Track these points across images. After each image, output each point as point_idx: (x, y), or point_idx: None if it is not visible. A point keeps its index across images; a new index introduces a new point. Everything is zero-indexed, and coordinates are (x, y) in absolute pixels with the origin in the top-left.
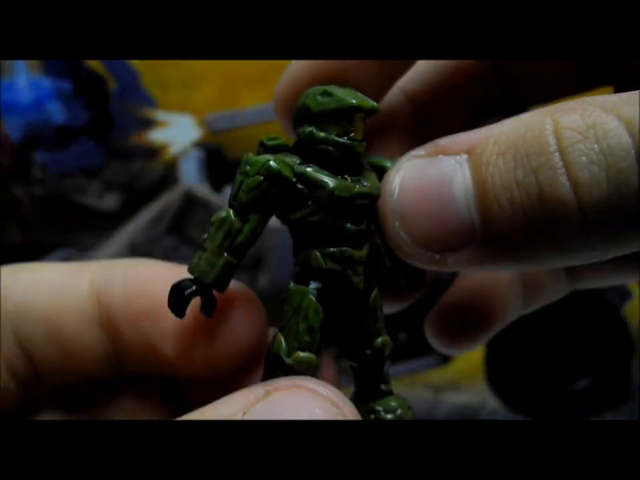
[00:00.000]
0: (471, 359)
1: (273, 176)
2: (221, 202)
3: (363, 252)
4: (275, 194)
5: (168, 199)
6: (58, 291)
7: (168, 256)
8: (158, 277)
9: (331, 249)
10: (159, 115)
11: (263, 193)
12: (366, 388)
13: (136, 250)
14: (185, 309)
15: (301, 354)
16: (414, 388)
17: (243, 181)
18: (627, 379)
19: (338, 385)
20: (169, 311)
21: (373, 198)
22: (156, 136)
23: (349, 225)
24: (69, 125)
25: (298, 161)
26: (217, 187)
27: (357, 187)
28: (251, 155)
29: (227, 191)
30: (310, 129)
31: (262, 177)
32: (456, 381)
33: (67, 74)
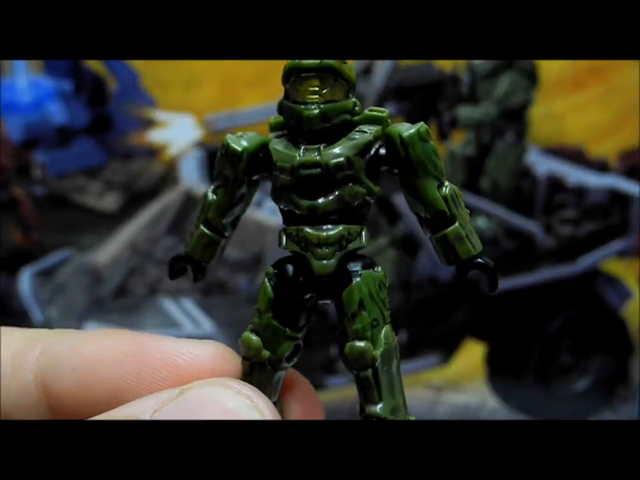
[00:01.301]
0: (470, 359)
1: (224, 152)
2: None
3: (325, 233)
4: (232, 168)
5: (168, 199)
6: (7, 381)
7: (168, 256)
8: (108, 361)
9: (291, 227)
10: (159, 114)
11: (222, 169)
12: (360, 407)
13: (136, 250)
14: (171, 272)
15: (246, 334)
16: (414, 388)
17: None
18: (626, 379)
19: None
20: (126, 396)
21: (325, 168)
22: (156, 136)
23: (301, 199)
24: (69, 124)
25: (278, 134)
26: None
27: (304, 156)
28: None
29: None
30: (281, 99)
31: (219, 153)
32: (456, 381)
33: (67, 74)
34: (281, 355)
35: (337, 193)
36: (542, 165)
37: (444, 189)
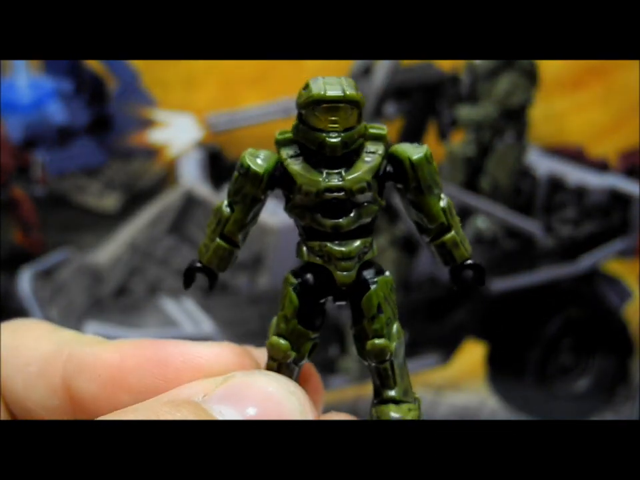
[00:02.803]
0: (470, 359)
1: (244, 172)
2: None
3: (347, 248)
4: (252, 188)
5: (168, 199)
6: (32, 381)
7: (168, 256)
8: (131, 366)
9: (313, 242)
10: (159, 114)
11: (240, 187)
12: (375, 391)
13: (136, 250)
14: (187, 282)
15: (274, 338)
16: (414, 388)
17: (233, 174)
18: (627, 379)
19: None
20: (150, 398)
21: (350, 192)
22: (156, 136)
23: (325, 219)
24: (69, 124)
25: (291, 154)
26: (217, 187)
27: (328, 180)
28: (247, 150)
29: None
30: (296, 122)
31: (237, 173)
32: (456, 381)
33: (67, 74)
34: (304, 354)
35: (356, 212)
36: (542, 164)
37: (442, 201)
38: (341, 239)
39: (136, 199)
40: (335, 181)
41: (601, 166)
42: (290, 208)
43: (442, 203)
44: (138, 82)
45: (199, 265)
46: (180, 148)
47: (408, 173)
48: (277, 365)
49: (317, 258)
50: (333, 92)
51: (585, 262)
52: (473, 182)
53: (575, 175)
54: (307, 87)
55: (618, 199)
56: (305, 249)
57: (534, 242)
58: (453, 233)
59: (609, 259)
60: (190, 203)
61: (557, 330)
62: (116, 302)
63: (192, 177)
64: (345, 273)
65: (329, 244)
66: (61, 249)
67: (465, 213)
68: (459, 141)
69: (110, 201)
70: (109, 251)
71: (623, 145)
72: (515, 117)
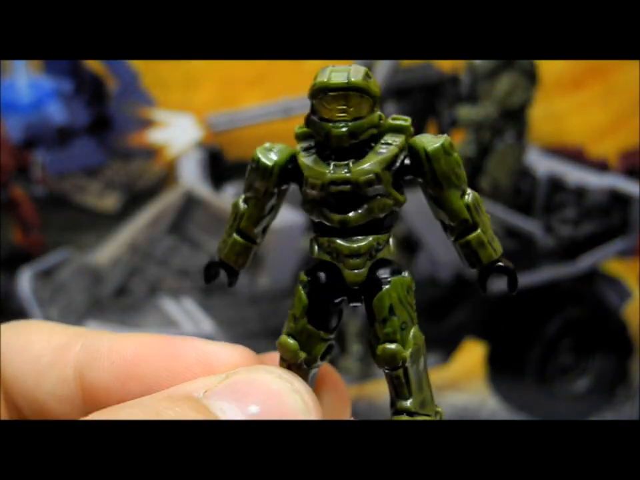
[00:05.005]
0: (471, 359)
1: (255, 166)
2: (221, 202)
3: (356, 245)
4: (263, 181)
5: (168, 199)
6: (44, 371)
7: (168, 256)
8: (145, 357)
9: (322, 239)
10: (159, 114)
11: (252, 181)
12: (390, 401)
13: (136, 250)
14: (206, 277)
15: (283, 337)
16: None
17: (247, 169)
18: (626, 379)
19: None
20: (159, 390)
21: (355, 184)
22: (156, 136)
23: (332, 213)
24: (69, 124)
25: (305, 147)
26: (217, 187)
27: (334, 173)
28: (263, 144)
29: (227, 190)
30: (308, 114)
31: (249, 167)
32: (456, 381)
33: (67, 74)
34: (316, 355)
35: (366, 207)
36: (542, 164)
37: (466, 197)
38: (349, 234)
39: (136, 199)
40: (341, 173)
41: (601, 166)
42: (301, 202)
43: (466, 198)
44: (138, 82)
45: (217, 260)
46: (180, 148)
47: (424, 164)
48: (287, 366)
49: (327, 255)
50: (337, 79)
51: (585, 262)
52: (472, 182)
53: (574, 175)
54: (315, 76)
55: (618, 199)
56: (315, 245)
57: (534, 242)
58: (478, 231)
59: (608, 259)
60: (190, 203)
61: (556, 330)
62: (116, 302)
63: (192, 176)
64: (355, 272)
65: (337, 240)
66: (61, 249)
67: None
68: (459, 141)
69: (110, 201)
70: (108, 250)
71: (623, 144)
72: (514, 117)
